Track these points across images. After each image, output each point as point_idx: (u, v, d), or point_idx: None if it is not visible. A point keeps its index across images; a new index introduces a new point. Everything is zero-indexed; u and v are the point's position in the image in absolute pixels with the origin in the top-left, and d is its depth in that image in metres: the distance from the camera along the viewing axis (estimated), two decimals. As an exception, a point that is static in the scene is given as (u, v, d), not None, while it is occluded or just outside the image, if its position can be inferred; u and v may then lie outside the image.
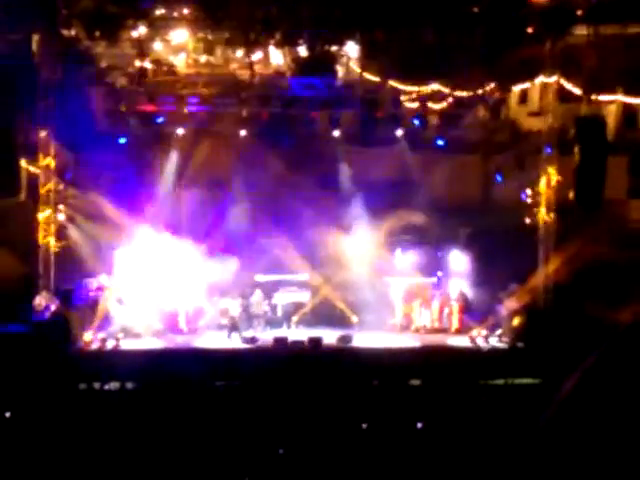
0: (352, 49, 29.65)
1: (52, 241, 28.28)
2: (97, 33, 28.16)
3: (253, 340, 27.66)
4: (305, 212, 29.90)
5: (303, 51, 29.32)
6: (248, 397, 21.74)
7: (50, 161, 28.09)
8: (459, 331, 29.26)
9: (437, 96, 29.25)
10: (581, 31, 27.75)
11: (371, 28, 28.67)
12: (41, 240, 28.12)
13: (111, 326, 28.02)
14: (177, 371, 24.06)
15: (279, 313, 30.23)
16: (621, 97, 28.54)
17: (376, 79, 28.87)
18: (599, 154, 27.04)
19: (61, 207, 28.64)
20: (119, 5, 28.08)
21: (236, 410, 19.25)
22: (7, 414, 21.38)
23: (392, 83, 28.69)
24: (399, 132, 30.59)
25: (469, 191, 31.64)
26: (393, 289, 30.54)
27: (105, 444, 15.75)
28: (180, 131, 30.09)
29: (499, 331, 28.21)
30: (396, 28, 28.08)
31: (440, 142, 30.62)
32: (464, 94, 28.97)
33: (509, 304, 28.21)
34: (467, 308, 29.69)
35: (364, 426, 18.59)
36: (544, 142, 28.64)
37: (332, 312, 30.26)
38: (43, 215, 28.14)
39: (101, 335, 27.12)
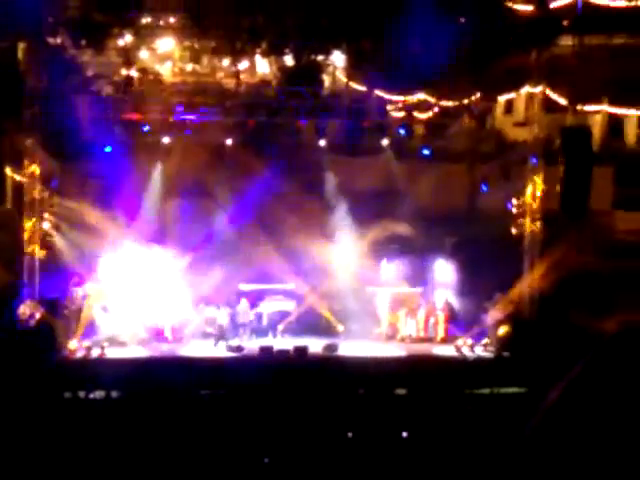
0: (338, 59, 29.69)
1: (37, 249, 28.21)
2: (83, 41, 28.18)
3: (239, 349, 27.61)
4: (291, 221, 29.90)
5: (289, 60, 29.35)
6: (233, 406, 21.71)
7: (35, 169, 28.02)
8: (445, 340, 29.27)
9: (423, 106, 29.29)
10: (567, 42, 27.88)
11: (357, 38, 28.74)
12: (26, 248, 28.05)
13: (96, 334, 27.95)
14: (162, 380, 24.01)
15: (265, 322, 30.17)
16: (606, 107, 28.64)
17: (362, 88, 28.90)
18: (584, 164, 27.11)
19: (46, 215, 28.57)
20: (105, 14, 28.10)
21: (221, 419, 19.21)
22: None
23: (378, 92, 28.72)
24: (385, 141, 30.63)
25: (455, 201, 31.66)
26: (379, 298, 30.55)
27: (90, 453, 15.70)
28: (166, 140, 30.04)
29: (485, 340, 28.23)
30: (382, 38, 28.16)
31: (426, 152, 30.63)
32: (450, 104, 29.01)
33: (494, 313, 28.25)
34: (453, 317, 29.72)
35: (350, 435, 18.57)
36: (530, 152, 28.71)
37: (318, 321, 30.23)
38: (28, 223, 28.07)
39: (86, 343, 27.04)
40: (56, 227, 28.83)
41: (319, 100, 30.06)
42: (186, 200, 31.34)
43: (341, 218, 31.16)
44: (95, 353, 26.73)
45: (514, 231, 28.93)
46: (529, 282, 28.64)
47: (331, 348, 27.56)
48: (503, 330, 27.87)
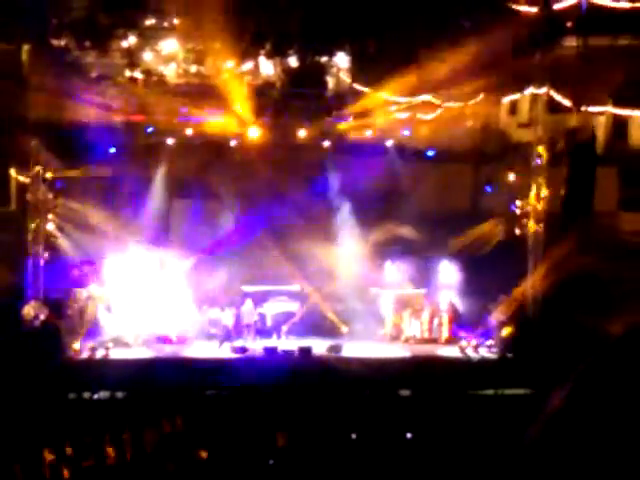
0: (342, 60, 29.67)
1: (41, 250, 28.24)
2: (87, 43, 28.17)
3: (243, 350, 27.62)
4: (295, 222, 29.93)
5: (293, 62, 29.34)
6: (238, 407, 21.72)
7: (40, 170, 28.06)
8: (449, 341, 29.27)
9: (427, 107, 29.27)
10: (570, 43, 27.84)
11: (361, 39, 28.73)
12: (30, 249, 28.09)
13: (100, 335, 27.99)
14: (167, 380, 24.04)
15: (269, 323, 30.20)
16: (610, 108, 28.61)
17: (366, 90, 28.89)
18: (588, 165, 27.09)
19: (50, 216, 28.61)
20: (110, 15, 28.10)
21: (226, 420, 19.22)
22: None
23: (382, 94, 28.70)
24: (389, 142, 30.65)
25: (458, 202, 31.65)
26: (383, 299, 30.56)
27: (95, 453, 15.73)
28: (170, 141, 30.08)
29: (489, 341, 28.23)
30: (386, 39, 28.15)
31: (430, 153, 30.66)
32: (454, 105, 28.99)
33: (498, 315, 28.24)
34: (457, 319, 29.72)
35: (354, 436, 18.58)
36: (533, 153, 28.69)
37: (322, 322, 30.25)
38: (32, 224, 28.11)
39: (91, 344, 27.07)
40: (60, 228, 28.87)
41: (323, 101, 30.07)
42: (190, 201, 31.40)
43: (345, 219, 31.19)
44: (99, 354, 26.76)
45: (518, 232, 28.94)
46: (533, 283, 28.63)
47: (335, 349, 27.57)
48: (507, 331, 27.87)
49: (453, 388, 24.64)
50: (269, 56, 29.23)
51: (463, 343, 28.21)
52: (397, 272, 30.79)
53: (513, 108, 30.48)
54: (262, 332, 29.69)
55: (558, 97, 27.88)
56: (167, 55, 29.53)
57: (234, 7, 27.03)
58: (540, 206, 28.65)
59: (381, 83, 28.30)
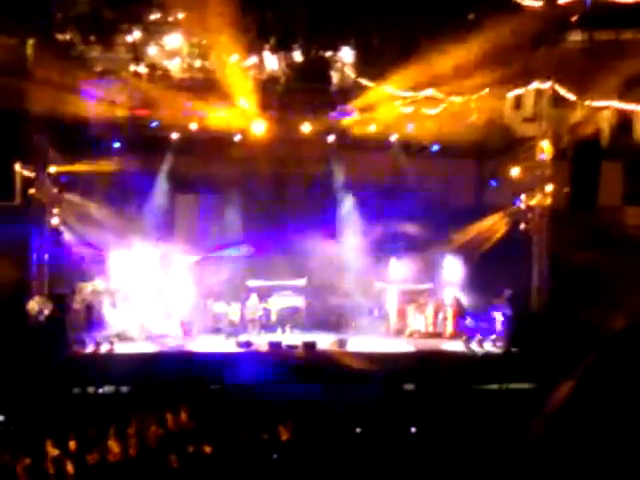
0: (347, 54, 29.63)
1: (46, 245, 28.27)
2: (92, 38, 28.17)
3: (248, 344, 27.65)
4: (299, 217, 29.95)
5: (298, 56, 29.31)
6: (242, 401, 21.73)
7: (45, 165, 28.08)
8: (453, 336, 29.28)
9: (431, 101, 29.23)
10: (575, 37, 27.80)
11: (366, 33, 28.69)
12: (35, 244, 28.12)
13: (105, 330, 28.03)
14: (171, 375, 24.07)
15: (273, 317, 30.23)
16: (615, 103, 28.56)
17: (371, 84, 28.87)
18: (593, 160, 27.06)
19: (55, 211, 28.64)
20: (114, 10, 28.09)
21: (230, 414, 19.23)
22: (1, 418, 21.38)
23: (387, 88, 28.67)
24: (393, 137, 30.63)
25: (463, 196, 31.66)
26: (387, 294, 30.58)
27: (99, 447, 15.74)
28: (175, 135, 30.08)
29: (493, 336, 28.23)
30: (391, 34, 28.11)
31: (434, 147, 30.65)
32: (458, 99, 28.96)
33: (503, 309, 28.24)
34: (461, 313, 29.72)
35: (358, 430, 18.57)
36: (538, 148, 28.67)
37: (326, 317, 30.28)
38: (37, 219, 28.14)
39: (95, 339, 27.10)
40: (65, 223, 28.90)
41: (328, 96, 30.04)
42: (195, 196, 31.44)
43: (349, 214, 31.20)
44: (104, 349, 26.80)
45: (522, 227, 28.94)
46: (537, 277, 28.64)
47: (340, 343, 27.59)
48: (511, 326, 27.87)
49: (457, 382, 24.64)
50: (274, 51, 29.20)
51: (467, 337, 28.20)
52: (401, 267, 30.81)
53: (517, 103, 30.41)
54: (267, 327, 29.74)
55: (563, 92, 27.85)
56: (172, 50, 29.49)
57: (239, 1, 26.98)
58: (544, 201, 28.65)
59: (385, 78, 28.27)
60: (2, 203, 28.24)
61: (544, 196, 28.68)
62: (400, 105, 29.44)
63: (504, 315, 28.04)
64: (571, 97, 27.86)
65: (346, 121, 29.94)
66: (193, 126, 29.50)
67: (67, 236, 28.88)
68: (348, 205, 31.28)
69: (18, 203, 28.44)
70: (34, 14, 26.97)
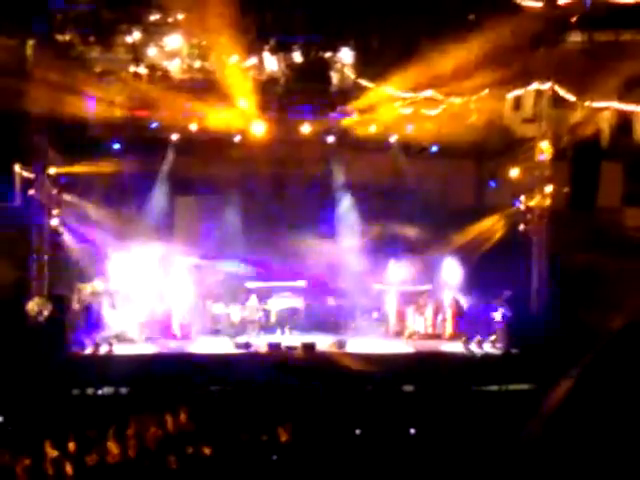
0: (346, 55, 29.63)
1: (45, 246, 28.27)
2: (92, 38, 28.16)
3: (247, 346, 27.63)
4: (298, 218, 29.94)
5: (298, 57, 29.30)
6: (241, 402, 21.72)
7: (44, 166, 28.07)
8: (453, 337, 29.26)
9: (431, 102, 29.23)
10: (575, 38, 27.80)
11: (365, 34, 28.69)
12: (34, 245, 28.11)
13: (104, 331, 28.01)
14: (171, 376, 24.06)
15: (272, 319, 30.21)
16: (615, 104, 28.56)
17: (370, 85, 28.86)
18: (593, 161, 27.05)
19: (54, 212, 28.63)
20: (114, 10, 28.09)
21: (230, 415, 19.22)
22: (0, 418, 21.36)
23: (386, 89, 28.66)
24: (393, 138, 30.62)
25: (462, 197, 31.65)
26: (387, 295, 30.56)
27: (98, 449, 15.71)
28: (174, 136, 30.06)
29: (493, 337, 28.21)
30: (391, 34, 28.11)
31: (433, 148, 30.63)
32: (458, 100, 28.95)
33: (503, 310, 28.22)
34: (461, 314, 29.70)
35: (357, 432, 18.55)
36: (537, 148, 28.66)
37: (326, 318, 30.26)
38: (37, 220, 28.13)
39: (94, 340, 27.09)
40: (64, 224, 28.89)
41: (327, 97, 30.03)
42: (194, 197, 31.42)
43: (348, 215, 31.20)
44: (103, 350, 26.78)
45: (522, 228, 28.93)
46: (537, 279, 28.64)
47: (339, 345, 27.58)
48: (510, 327, 27.86)
49: (457, 384, 24.63)
50: (273, 51, 29.19)
51: (467, 339, 28.18)
52: (401, 268, 30.79)
53: (517, 103, 30.42)
54: (266, 328, 29.73)
55: (562, 92, 27.85)
56: (171, 50, 29.48)
57: (238, 2, 26.98)
58: (544, 202, 28.65)
59: (385, 78, 28.27)
60: (2, 204, 28.23)
61: (543, 197, 28.68)
62: (400, 106, 29.44)
63: (503, 316, 28.01)
64: (571, 98, 27.86)
65: (346, 122, 29.92)
66: (193, 127, 29.47)
67: (67, 237, 28.85)
68: (347, 206, 31.26)
69: (18, 204, 28.42)
70: (34, 15, 26.96)
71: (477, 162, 32.00)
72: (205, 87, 29.06)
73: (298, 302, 30.41)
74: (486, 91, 28.84)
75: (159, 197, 30.56)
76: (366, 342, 28.10)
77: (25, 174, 28.13)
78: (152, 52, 29.09)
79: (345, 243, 30.95)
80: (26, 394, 22.53)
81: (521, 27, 26.72)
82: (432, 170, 30.74)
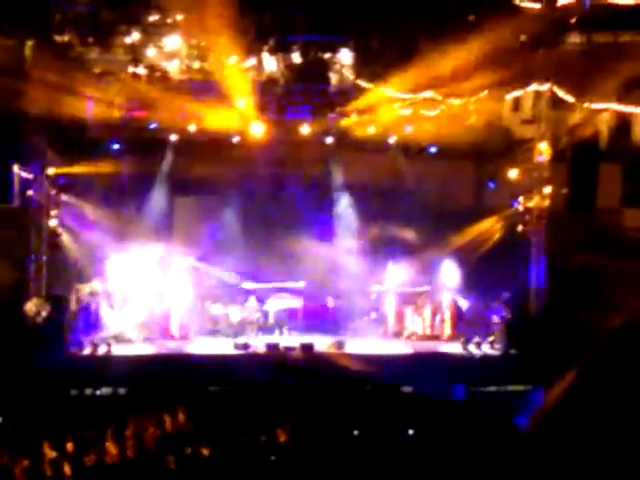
0: (346, 56, 29.65)
1: (44, 247, 28.26)
2: (91, 39, 28.18)
3: (245, 346, 27.62)
4: (297, 219, 29.96)
5: (297, 58, 29.33)
6: (240, 403, 21.72)
7: (43, 167, 28.07)
8: (451, 338, 29.25)
9: (430, 103, 29.24)
10: (574, 39, 27.82)
11: (365, 35, 28.72)
12: (33, 245, 28.10)
13: (103, 332, 28.00)
14: (169, 376, 24.05)
15: (271, 320, 30.19)
16: (614, 105, 28.58)
17: (369, 86, 28.88)
18: (592, 162, 27.06)
19: (53, 213, 28.62)
20: (113, 11, 28.10)
21: (228, 416, 19.21)
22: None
23: (386, 90, 28.68)
24: (392, 139, 30.62)
25: (461, 198, 31.65)
26: (385, 296, 30.55)
27: (97, 449, 15.71)
28: (173, 137, 30.06)
29: (491, 338, 28.21)
30: (390, 35, 28.13)
31: (432, 149, 30.63)
32: (457, 101, 28.96)
33: (501, 311, 28.23)
34: (459, 315, 29.70)
35: (356, 433, 18.55)
36: (536, 150, 28.67)
37: (324, 319, 30.25)
38: (35, 221, 28.13)
39: (93, 341, 27.07)
40: (63, 224, 28.88)
41: (326, 97, 30.05)
42: (193, 198, 31.41)
43: (347, 216, 31.20)
44: (102, 350, 26.77)
45: (520, 229, 28.94)
46: (536, 280, 28.65)
47: (338, 345, 27.57)
48: (509, 328, 27.86)
49: (456, 384, 24.62)
50: (272, 52, 29.22)
51: (466, 340, 28.17)
52: (399, 269, 30.78)
53: (516, 105, 30.46)
54: (264, 329, 29.71)
55: (561, 94, 27.87)
56: (170, 51, 29.51)
57: (237, 3, 27.00)
58: (543, 203, 28.66)
59: (384, 79, 28.30)
60: (0, 205, 28.23)
61: (542, 198, 28.69)
62: (399, 107, 29.46)
63: (502, 317, 28.01)
64: (570, 99, 27.88)
65: (345, 122, 29.93)
66: (192, 128, 29.47)
67: (65, 238, 28.84)
68: (346, 206, 31.26)
69: (16, 205, 28.42)
70: (32, 15, 26.97)
71: (476, 163, 31.99)
72: (204, 88, 29.08)
73: (296, 303, 30.39)
74: (485, 92, 28.86)
75: (158, 198, 30.55)
76: (365, 343, 28.08)
77: (24, 175, 28.11)
78: (151, 53, 29.11)
79: (344, 244, 30.95)
80: (24, 395, 22.52)
81: (520, 28, 26.77)
82: (431, 171, 30.74)
